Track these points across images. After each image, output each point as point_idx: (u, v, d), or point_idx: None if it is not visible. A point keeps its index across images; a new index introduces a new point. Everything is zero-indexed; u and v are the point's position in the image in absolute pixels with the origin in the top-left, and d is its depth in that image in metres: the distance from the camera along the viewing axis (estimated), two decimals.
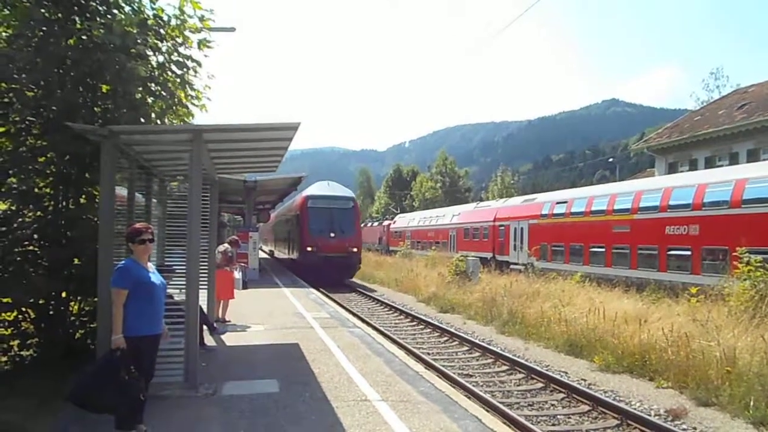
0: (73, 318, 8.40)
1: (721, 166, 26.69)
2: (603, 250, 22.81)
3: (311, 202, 28.43)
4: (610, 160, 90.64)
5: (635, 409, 8.80)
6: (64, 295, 8.11)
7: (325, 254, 26.53)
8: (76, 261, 7.92)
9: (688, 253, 18.45)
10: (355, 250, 27.68)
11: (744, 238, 14.69)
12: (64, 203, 8.27)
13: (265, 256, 48.28)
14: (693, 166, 29.65)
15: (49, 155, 7.95)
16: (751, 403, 8.23)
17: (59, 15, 7.89)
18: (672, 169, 31.79)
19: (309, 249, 26.80)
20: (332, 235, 27.13)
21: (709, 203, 18.10)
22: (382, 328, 15.50)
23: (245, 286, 14.07)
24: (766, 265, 12.92)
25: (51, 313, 8.10)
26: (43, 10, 7.75)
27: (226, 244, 13.07)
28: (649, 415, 8.54)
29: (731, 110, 30.49)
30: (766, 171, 17.14)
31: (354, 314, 17.11)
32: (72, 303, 8.35)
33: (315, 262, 26.56)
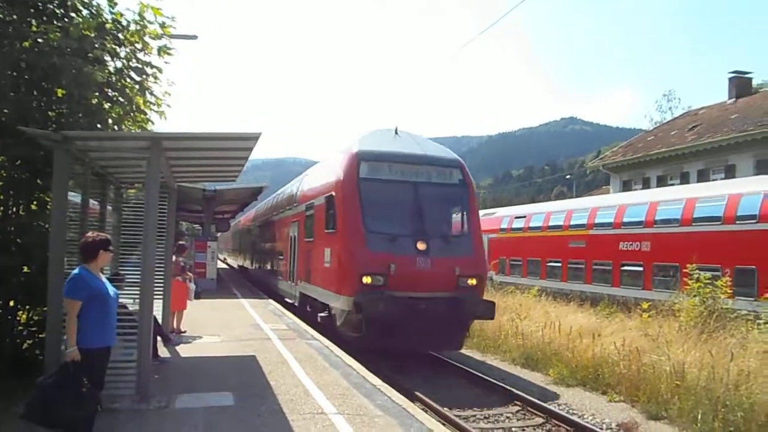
0: (21, 328, 8.12)
1: (673, 184, 27.58)
2: (560, 264, 23.24)
3: (368, 168, 12.63)
4: (568, 176, 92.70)
5: (588, 422, 8.97)
6: (11, 303, 7.83)
7: (408, 293, 11.50)
8: (25, 269, 7.67)
9: (641, 269, 18.95)
10: (473, 282, 12.25)
11: (694, 255, 15.16)
12: (14, 209, 8.02)
13: (224, 266, 47.52)
14: (646, 185, 30.57)
15: None
16: (699, 417, 8.48)
17: (14, 17, 7.67)
18: (626, 186, 32.70)
19: (366, 282, 11.59)
20: (421, 247, 12.03)
21: (661, 221, 18.67)
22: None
23: (198, 296, 13.83)
24: (715, 281, 13.35)
25: None
26: None
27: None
28: (602, 429, 8.74)
29: (682, 131, 31.60)
30: (716, 191, 17.79)
31: (312, 326, 16.92)
32: (20, 312, 8.08)
33: (385, 312, 11.18)
